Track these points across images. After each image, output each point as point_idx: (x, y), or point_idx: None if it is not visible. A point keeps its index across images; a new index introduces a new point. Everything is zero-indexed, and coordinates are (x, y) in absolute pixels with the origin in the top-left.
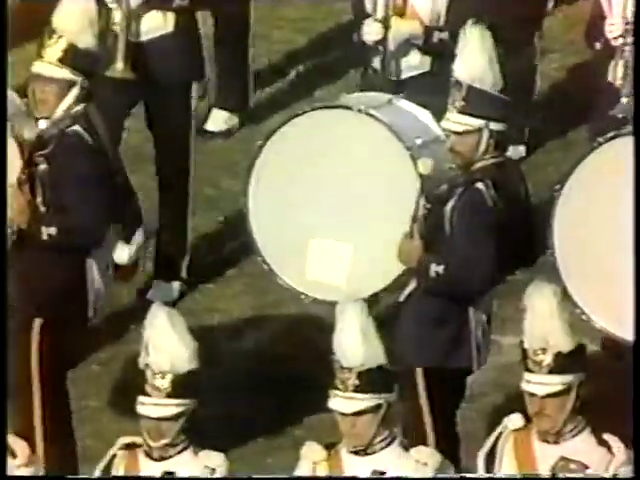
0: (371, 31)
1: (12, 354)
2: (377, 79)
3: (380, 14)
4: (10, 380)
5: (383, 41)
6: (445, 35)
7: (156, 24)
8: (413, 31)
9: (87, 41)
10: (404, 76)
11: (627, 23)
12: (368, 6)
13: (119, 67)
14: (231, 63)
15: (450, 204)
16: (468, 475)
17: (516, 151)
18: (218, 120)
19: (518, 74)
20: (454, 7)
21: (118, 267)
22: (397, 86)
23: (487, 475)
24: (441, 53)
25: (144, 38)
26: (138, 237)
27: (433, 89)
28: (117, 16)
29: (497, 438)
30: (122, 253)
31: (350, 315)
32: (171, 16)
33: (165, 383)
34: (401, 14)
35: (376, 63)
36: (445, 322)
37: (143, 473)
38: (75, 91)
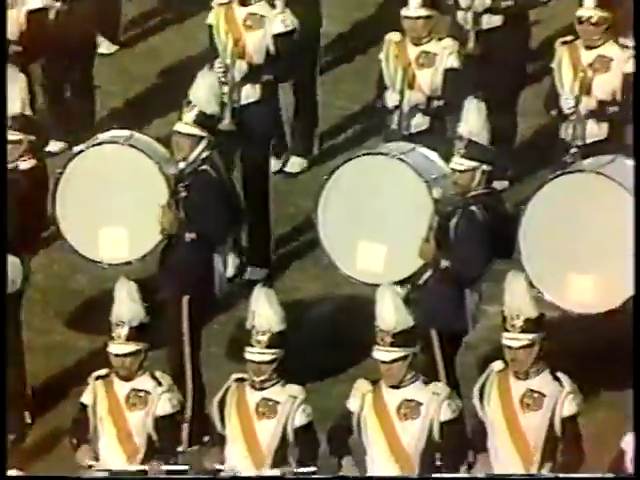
0: (392, 99)
1: (164, 321)
2: (394, 134)
3: (398, 87)
4: (165, 336)
5: (400, 106)
6: (441, 102)
7: (249, 93)
8: (419, 100)
9: (212, 108)
10: (412, 131)
11: (575, 97)
12: (388, 81)
13: (226, 122)
14: (302, 123)
15: (454, 220)
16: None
17: (501, 184)
18: (294, 164)
19: (502, 130)
20: (448, 83)
21: None
22: (407, 139)
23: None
24: (438, 115)
25: (242, 103)
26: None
27: (431, 141)
28: (225, 88)
29: (486, 377)
30: (231, 268)
31: (386, 295)
32: (258, 87)
33: (265, 338)
34: (411, 87)
35: (394, 122)
36: (450, 299)
37: (248, 399)
38: (204, 143)
